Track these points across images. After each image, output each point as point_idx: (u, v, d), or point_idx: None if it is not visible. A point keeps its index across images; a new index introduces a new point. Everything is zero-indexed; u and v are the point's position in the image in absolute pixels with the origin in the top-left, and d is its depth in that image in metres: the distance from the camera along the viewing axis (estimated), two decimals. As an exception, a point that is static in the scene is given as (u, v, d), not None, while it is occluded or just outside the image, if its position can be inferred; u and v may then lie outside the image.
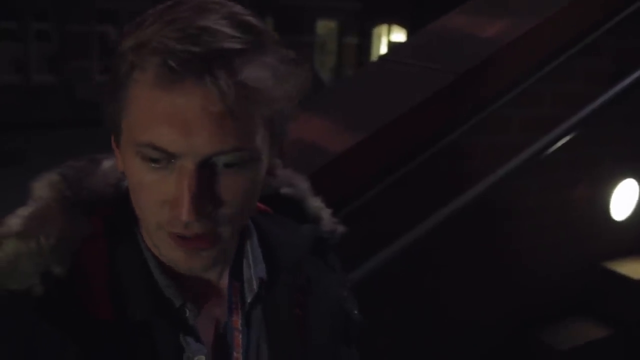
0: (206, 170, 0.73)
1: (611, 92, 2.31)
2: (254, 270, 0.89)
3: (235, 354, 0.86)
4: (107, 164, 0.87)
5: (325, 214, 1.01)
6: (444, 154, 2.09)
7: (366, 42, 20.79)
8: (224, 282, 0.89)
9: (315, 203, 1.01)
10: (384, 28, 19.08)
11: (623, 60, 2.52)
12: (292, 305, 0.92)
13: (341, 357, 0.99)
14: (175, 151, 0.72)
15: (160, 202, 0.75)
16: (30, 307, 0.74)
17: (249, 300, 0.88)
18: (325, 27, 20.88)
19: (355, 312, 1.01)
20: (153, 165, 0.73)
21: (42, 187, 0.83)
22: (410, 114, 1.94)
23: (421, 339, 2.28)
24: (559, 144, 2.22)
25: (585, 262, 2.81)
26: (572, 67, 2.38)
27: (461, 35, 2.27)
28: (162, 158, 0.73)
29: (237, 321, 0.87)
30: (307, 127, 1.93)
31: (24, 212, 0.80)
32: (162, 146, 0.71)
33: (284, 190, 1.00)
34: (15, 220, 0.79)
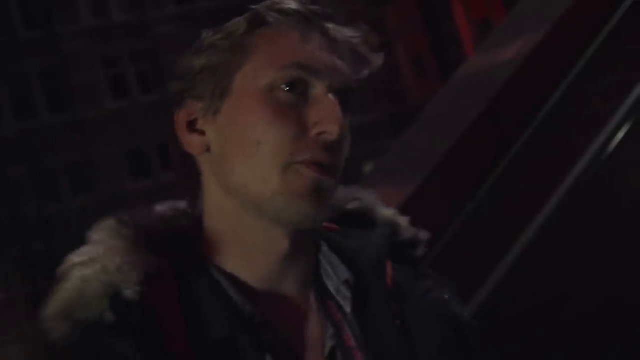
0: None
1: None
2: (336, 278, 0.84)
3: None
4: (159, 207, 0.86)
5: (402, 220, 0.93)
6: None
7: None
8: (310, 299, 0.84)
9: (387, 211, 0.92)
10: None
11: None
12: (389, 313, 0.85)
13: None
14: (320, 68, 0.77)
15: (299, 132, 0.77)
16: (103, 334, 0.73)
17: (348, 310, 0.83)
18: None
19: (465, 314, 0.92)
20: (290, 93, 0.77)
21: (99, 231, 0.81)
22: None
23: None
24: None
25: None
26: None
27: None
28: (303, 81, 0.77)
29: (350, 339, 0.82)
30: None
31: (81, 253, 0.79)
32: (309, 64, 0.77)
33: (350, 205, 0.92)
34: (74, 257, 0.78)
